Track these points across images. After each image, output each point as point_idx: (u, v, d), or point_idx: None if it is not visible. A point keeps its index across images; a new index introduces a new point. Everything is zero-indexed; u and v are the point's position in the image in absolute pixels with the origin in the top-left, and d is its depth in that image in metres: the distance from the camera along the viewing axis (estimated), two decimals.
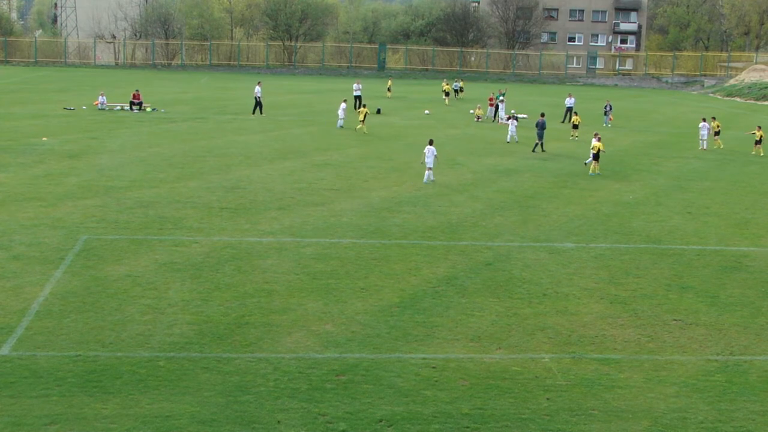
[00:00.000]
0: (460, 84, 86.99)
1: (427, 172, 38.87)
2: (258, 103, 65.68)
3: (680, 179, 42.63)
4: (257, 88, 66.23)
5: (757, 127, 54.11)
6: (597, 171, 43.05)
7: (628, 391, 17.33)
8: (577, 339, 20.14)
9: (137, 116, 62.21)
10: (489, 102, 70.80)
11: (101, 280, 23.01)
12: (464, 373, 17.87)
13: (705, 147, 54.32)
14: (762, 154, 52.14)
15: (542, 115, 51.81)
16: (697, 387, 17.65)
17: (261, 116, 63.93)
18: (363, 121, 56.93)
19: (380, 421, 15.63)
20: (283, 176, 39.12)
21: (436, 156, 38.89)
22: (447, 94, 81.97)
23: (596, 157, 43.15)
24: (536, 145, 50.83)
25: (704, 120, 55.74)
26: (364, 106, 59.89)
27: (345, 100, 62.03)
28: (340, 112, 59.37)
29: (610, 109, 66.89)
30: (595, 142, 43.31)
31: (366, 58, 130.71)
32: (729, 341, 20.39)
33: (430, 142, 39.36)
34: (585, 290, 23.87)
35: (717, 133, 56.78)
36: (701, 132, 54.73)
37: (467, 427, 15.51)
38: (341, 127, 58.40)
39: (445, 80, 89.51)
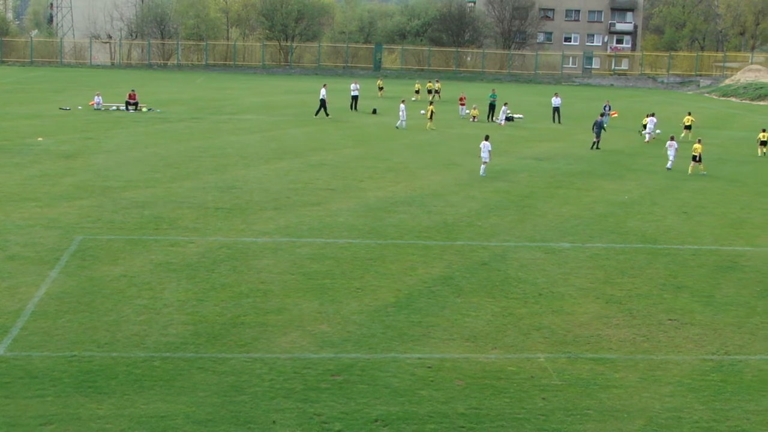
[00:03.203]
0: (437, 86, 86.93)
1: (482, 165, 41.05)
2: (323, 105, 65.06)
3: (675, 179, 42.67)
4: (323, 90, 65.84)
5: (761, 130, 54.86)
6: (703, 171, 44.51)
7: (624, 390, 17.35)
8: (573, 339, 20.15)
9: (133, 116, 62.17)
10: (460, 101, 70.79)
11: (96, 281, 22.99)
12: (460, 373, 17.88)
13: (648, 141, 56.47)
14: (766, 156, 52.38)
15: (602, 114, 55.82)
16: (692, 386, 17.68)
17: (326, 118, 63.82)
18: (431, 118, 59.89)
19: (376, 421, 15.64)
20: (279, 176, 39.12)
21: (490, 150, 41.03)
22: (417, 92, 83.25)
23: (698, 159, 44.55)
24: (594, 143, 52.93)
25: (652, 115, 58.64)
26: (431, 103, 62.40)
27: (404, 100, 62.34)
28: (401, 114, 59.52)
29: (609, 109, 67.02)
30: (696, 145, 45.00)
31: (362, 58, 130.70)
32: (724, 341, 20.42)
33: (486, 138, 41.42)
34: (580, 290, 23.89)
35: (688, 127, 59.62)
36: (648, 126, 57.25)
37: (463, 427, 15.52)
38: (402, 127, 58.89)
39: (418, 81, 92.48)
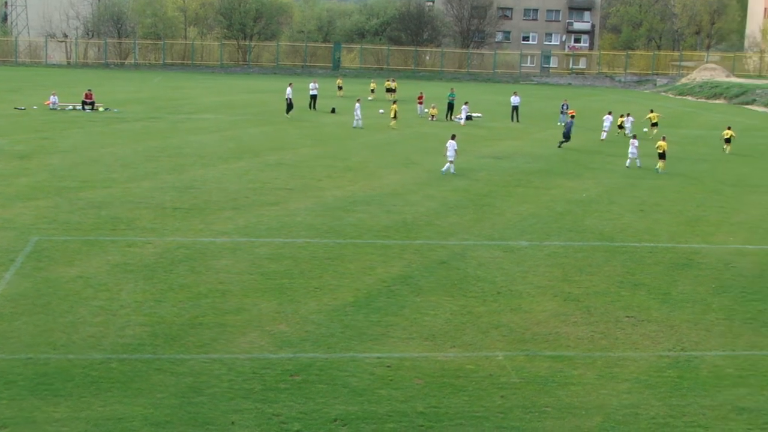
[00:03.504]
0: (393, 84, 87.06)
1: (447, 164, 41.35)
2: (290, 105, 65.25)
3: (632, 177, 43.00)
4: (288, 89, 65.96)
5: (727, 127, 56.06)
6: (664, 169, 44.98)
7: (582, 387, 17.46)
8: (531, 337, 20.25)
9: (89, 116, 61.62)
10: (419, 100, 71.00)
11: (52, 282, 22.77)
12: (419, 372, 17.90)
13: (605, 138, 57.32)
14: (729, 152, 53.43)
15: (572, 117, 56.36)
16: (649, 383, 17.82)
17: (285, 117, 64.03)
18: (395, 117, 59.81)
19: (335, 420, 15.62)
20: (238, 176, 38.96)
21: (456, 149, 41.33)
22: (373, 91, 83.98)
23: (662, 156, 45.06)
24: (561, 142, 53.45)
25: (609, 113, 59.62)
26: (395, 102, 62.47)
27: (359, 99, 62.47)
28: (357, 113, 59.40)
29: (567, 108, 67.55)
30: (660, 142, 45.58)
31: (321, 58, 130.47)
32: (680, 337, 20.61)
33: (453, 137, 41.70)
34: (539, 288, 24.01)
35: (655, 124, 61.24)
36: (604, 124, 58.09)
37: (422, 426, 15.54)
38: (358, 126, 58.79)
39: (373, 80, 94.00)
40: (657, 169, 44.66)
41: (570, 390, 17.32)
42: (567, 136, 52.94)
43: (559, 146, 52.71)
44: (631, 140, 46.58)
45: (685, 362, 19.09)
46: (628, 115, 61.88)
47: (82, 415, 15.44)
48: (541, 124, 66.07)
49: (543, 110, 75.57)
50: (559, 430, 15.63)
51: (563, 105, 68.32)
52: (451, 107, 68.08)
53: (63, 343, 18.71)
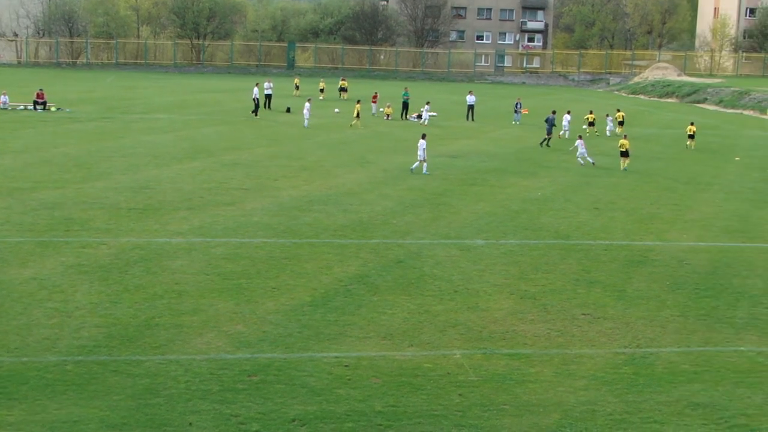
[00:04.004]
0: (345, 83, 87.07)
1: (417, 162, 41.99)
2: (257, 104, 65.39)
3: (587, 175, 43.32)
4: (255, 89, 66.16)
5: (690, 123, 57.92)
6: (626, 166, 45.64)
7: (539, 385, 17.54)
8: (488, 335, 20.32)
9: (41, 116, 60.98)
10: (372, 99, 71.09)
11: (5, 284, 22.48)
12: (377, 371, 17.90)
13: (567, 136, 58.08)
14: (693, 148, 55.13)
15: (553, 112, 56.49)
16: (605, 380, 17.95)
17: (254, 117, 64.15)
18: (358, 116, 59.79)
19: (293, 420, 15.57)
20: (192, 176, 38.73)
21: (425, 149, 41.68)
22: (322, 90, 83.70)
23: (625, 154, 45.66)
24: (544, 140, 54.24)
25: (568, 112, 60.89)
26: (359, 102, 62.17)
27: (309, 99, 62.43)
28: (306, 112, 59.14)
29: (520, 106, 68.06)
30: (622, 141, 46.39)
31: (275, 57, 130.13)
32: (636, 334, 20.78)
33: (423, 136, 42.18)
34: (495, 286, 24.10)
35: (621, 123, 62.25)
36: (563, 123, 59.35)
37: (380, 425, 15.54)
38: (307, 126, 58.52)
39: (322, 79, 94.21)
40: (625, 168, 45.19)
41: (527, 387, 17.40)
42: (549, 132, 54.04)
43: (542, 144, 53.31)
44: (578, 140, 47.07)
45: (641, 359, 19.25)
46: (607, 115, 63.31)
47: (37, 418, 15.26)
48: (496, 123, 66.38)
49: (497, 109, 75.93)
50: (517, 428, 15.69)
51: (516, 104, 68.77)
52: (406, 106, 68.17)
53: (17, 345, 18.48)
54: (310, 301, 22.18)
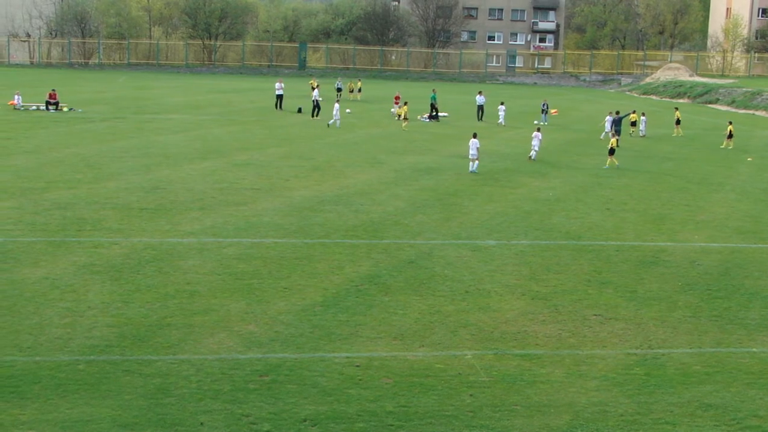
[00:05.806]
0: (359, 84, 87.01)
1: (471, 163, 42.72)
2: (317, 106, 66.31)
3: (599, 176, 43.25)
4: (315, 92, 67.38)
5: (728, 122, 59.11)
6: (616, 164, 46.13)
7: (550, 385, 17.52)
8: (499, 335, 20.29)
9: (54, 116, 61.16)
10: (395, 101, 71.21)
11: (18, 284, 22.55)
12: (388, 372, 17.89)
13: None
14: (731, 147, 55.90)
15: (617, 113, 57.35)
16: (617, 381, 17.91)
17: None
18: (406, 118, 60.62)
19: (304, 420, 15.58)
20: (204, 176, 38.79)
21: (478, 148, 42.56)
22: (313, 88, 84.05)
23: (612, 152, 46.33)
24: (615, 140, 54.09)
25: (610, 114, 60.58)
26: (406, 104, 62.84)
27: (338, 99, 63.36)
28: (335, 113, 59.30)
29: (548, 107, 68.42)
30: (612, 139, 47.73)
31: (287, 57, 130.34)
32: (647, 335, 20.73)
33: (474, 135, 42.98)
34: (506, 287, 24.07)
35: (633, 123, 62.74)
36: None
37: (391, 425, 15.53)
38: (334, 125, 58.81)
39: (313, 78, 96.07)
40: (617, 165, 45.44)
41: (538, 388, 17.37)
42: (618, 133, 54.37)
43: (611, 152, 52.74)
44: (535, 133, 47.86)
45: (653, 360, 19.20)
46: (643, 114, 63.66)
47: (49, 417, 15.30)
48: (507, 123, 66.26)
49: (509, 109, 75.78)
50: (528, 428, 15.67)
51: (544, 104, 68.90)
52: (434, 108, 68.29)
53: (29, 345, 18.54)
54: (322, 301, 22.19)
